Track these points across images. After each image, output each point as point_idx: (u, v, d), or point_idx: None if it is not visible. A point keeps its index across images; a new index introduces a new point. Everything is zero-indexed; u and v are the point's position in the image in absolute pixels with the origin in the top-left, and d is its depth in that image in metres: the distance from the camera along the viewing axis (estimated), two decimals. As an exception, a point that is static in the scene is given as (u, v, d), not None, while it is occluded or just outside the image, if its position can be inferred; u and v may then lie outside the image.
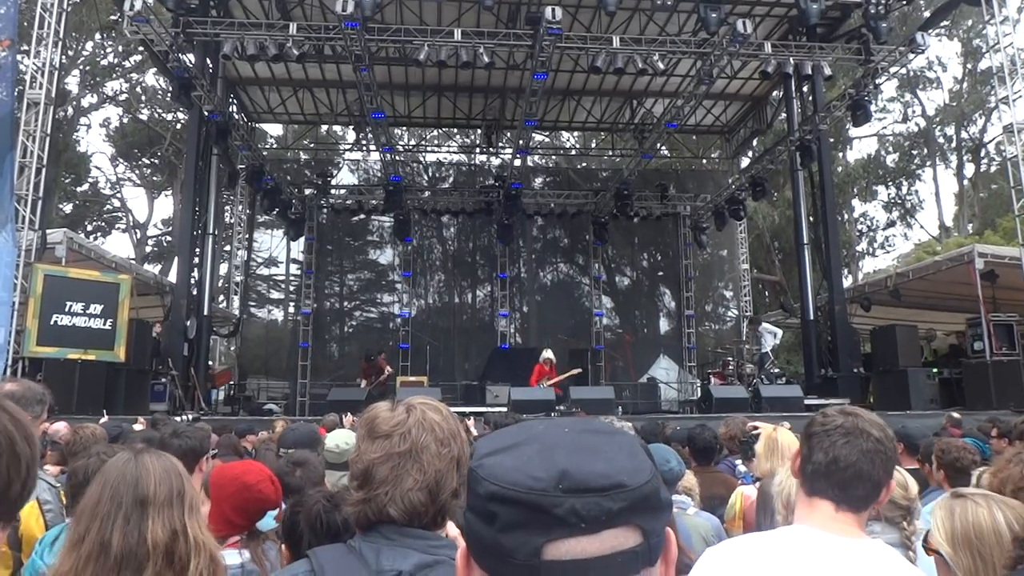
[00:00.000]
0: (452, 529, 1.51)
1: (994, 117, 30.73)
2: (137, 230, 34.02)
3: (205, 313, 16.12)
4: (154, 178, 33.49)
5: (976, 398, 13.12)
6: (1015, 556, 1.71)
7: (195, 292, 15.68)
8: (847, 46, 15.08)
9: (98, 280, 12.47)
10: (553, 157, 27.95)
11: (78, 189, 31.64)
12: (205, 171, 16.26)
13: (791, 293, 24.74)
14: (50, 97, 12.36)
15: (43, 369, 11.15)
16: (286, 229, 21.03)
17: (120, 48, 29.48)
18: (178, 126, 28.47)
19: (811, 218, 17.32)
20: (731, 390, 14.58)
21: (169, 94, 21.57)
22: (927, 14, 22.46)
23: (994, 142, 32.69)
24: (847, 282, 20.85)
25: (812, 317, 16.67)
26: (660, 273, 23.62)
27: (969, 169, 35.28)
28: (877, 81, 15.43)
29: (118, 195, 34.28)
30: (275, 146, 27.81)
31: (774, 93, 19.97)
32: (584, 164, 27.92)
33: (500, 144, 21.63)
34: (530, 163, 22.80)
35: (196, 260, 15.81)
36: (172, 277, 16.98)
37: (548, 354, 14.45)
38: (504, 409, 12.19)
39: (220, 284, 20.79)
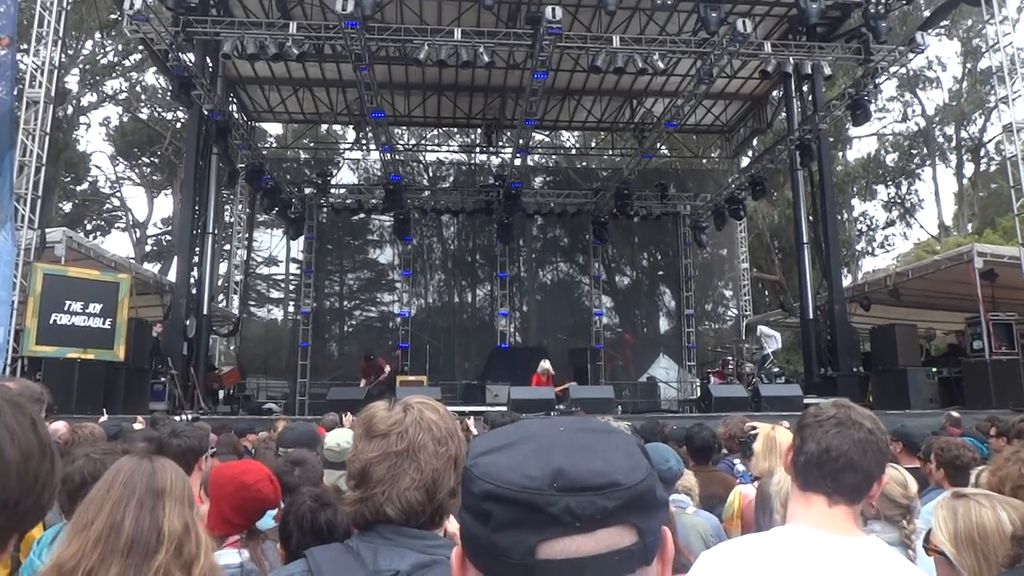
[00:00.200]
0: (452, 525, 1.51)
1: (994, 116, 30.76)
2: (137, 229, 34.04)
3: (205, 312, 16.13)
4: (154, 177, 33.49)
5: (975, 397, 13.12)
6: (1014, 554, 1.72)
7: (195, 291, 15.68)
8: (847, 45, 15.08)
9: (97, 279, 12.46)
10: (553, 156, 27.94)
11: (78, 188, 31.63)
12: (205, 170, 16.25)
13: (791, 292, 24.74)
14: (50, 96, 12.36)
15: (42, 368, 11.15)
16: (286, 228, 21.03)
17: (120, 47, 29.46)
18: (178, 125, 28.47)
19: (811, 217, 17.32)
20: (731, 389, 14.57)
21: (169, 93, 21.57)
22: (927, 14, 22.45)
23: (994, 141, 32.71)
24: (847, 281, 20.85)
25: (812, 316, 16.67)
26: (660, 272, 23.63)
27: (969, 168, 35.30)
28: (877, 80, 15.44)
29: (118, 194, 34.31)
30: (275, 145, 27.82)
31: (774, 93, 19.96)
32: (584, 163, 27.92)
33: (500, 143, 21.63)
34: (530, 162, 22.81)
35: (196, 259, 15.81)
36: (172, 276, 16.98)
37: (546, 365, 14.48)
38: (504, 408, 12.19)
39: (220, 283, 20.79)
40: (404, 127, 25.70)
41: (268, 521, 2.65)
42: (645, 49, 13.89)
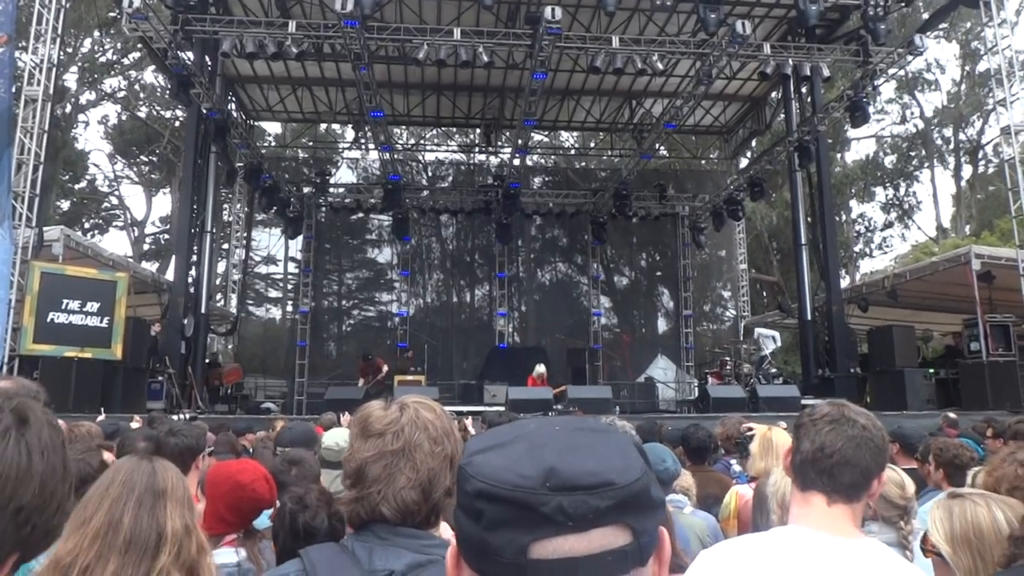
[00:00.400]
0: (447, 531, 1.50)
1: (992, 119, 30.82)
2: (135, 228, 33.99)
3: (203, 311, 16.10)
4: (152, 176, 33.46)
5: (972, 398, 13.14)
6: (1009, 554, 1.72)
7: (193, 290, 15.66)
8: (846, 47, 15.10)
9: (95, 278, 12.44)
10: (552, 157, 27.95)
11: (76, 186, 31.59)
12: (203, 169, 16.23)
13: (789, 293, 24.77)
14: (48, 94, 12.34)
15: (39, 367, 11.11)
16: (284, 227, 21.02)
17: (119, 45, 29.44)
18: (176, 124, 28.44)
19: (809, 219, 17.34)
20: (728, 390, 14.59)
21: (168, 91, 21.55)
22: (926, 16, 22.49)
23: (992, 144, 32.76)
24: (844, 283, 20.88)
25: (809, 317, 16.69)
26: (658, 273, 23.65)
27: (967, 171, 35.36)
28: (875, 83, 15.46)
29: (116, 193, 34.27)
30: (274, 144, 27.82)
31: (773, 94, 19.97)
32: (583, 164, 27.94)
33: (499, 143, 21.63)
34: (529, 162, 22.80)
35: (194, 258, 15.80)
36: (170, 275, 16.96)
37: (541, 369, 14.51)
38: (501, 408, 12.19)
39: (218, 282, 20.77)
40: (403, 127, 25.70)
41: (264, 520, 2.65)
42: (644, 50, 13.90)
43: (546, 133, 27.35)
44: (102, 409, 9.73)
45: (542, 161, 26.73)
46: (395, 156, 18.94)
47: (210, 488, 2.56)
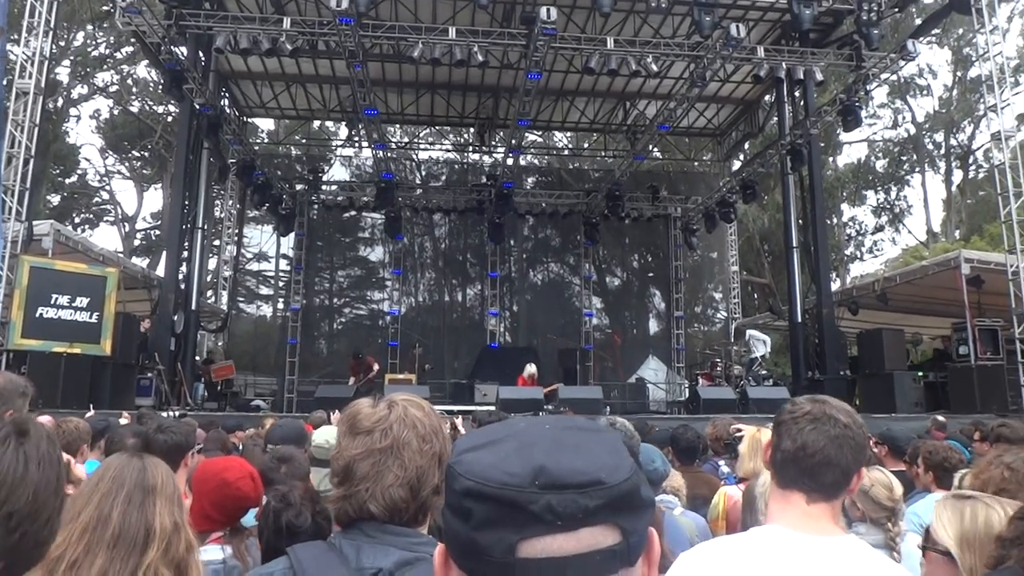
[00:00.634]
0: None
1: (983, 125, 30.96)
2: (126, 223, 33.84)
3: (193, 308, 16.03)
4: (144, 171, 33.30)
5: (961, 402, 13.21)
6: (998, 555, 1.72)
7: (183, 286, 15.59)
8: (839, 52, 15.16)
9: (85, 273, 12.38)
10: (545, 157, 27.95)
11: (66, 181, 31.44)
12: (195, 165, 16.16)
13: (780, 296, 24.83)
14: (40, 87, 12.26)
15: (27, 362, 11.03)
16: (276, 224, 20.94)
17: (112, 39, 29.29)
18: (169, 119, 28.31)
19: (800, 222, 17.40)
20: (719, 391, 14.64)
21: (160, 86, 21.43)
22: (918, 22, 22.61)
23: (982, 149, 32.99)
24: (835, 285, 20.98)
25: (800, 320, 16.75)
26: (650, 274, 23.69)
27: (957, 176, 35.58)
28: (868, 87, 15.54)
29: (107, 187, 34.11)
30: (267, 141, 27.72)
31: (766, 97, 20.04)
32: (576, 164, 27.95)
33: (493, 143, 21.62)
34: (522, 162, 22.80)
35: (185, 254, 15.72)
36: (160, 271, 16.87)
37: (532, 369, 14.53)
38: (492, 408, 12.19)
39: (209, 279, 20.69)
40: (397, 125, 25.63)
41: (251, 518, 2.65)
42: (639, 51, 13.92)
43: (540, 133, 27.35)
44: (91, 405, 9.67)
45: (535, 161, 26.74)
46: (388, 154, 18.90)
47: (197, 485, 2.55)
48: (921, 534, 3.20)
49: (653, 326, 23.30)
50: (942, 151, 35.85)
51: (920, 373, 14.97)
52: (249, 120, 23.11)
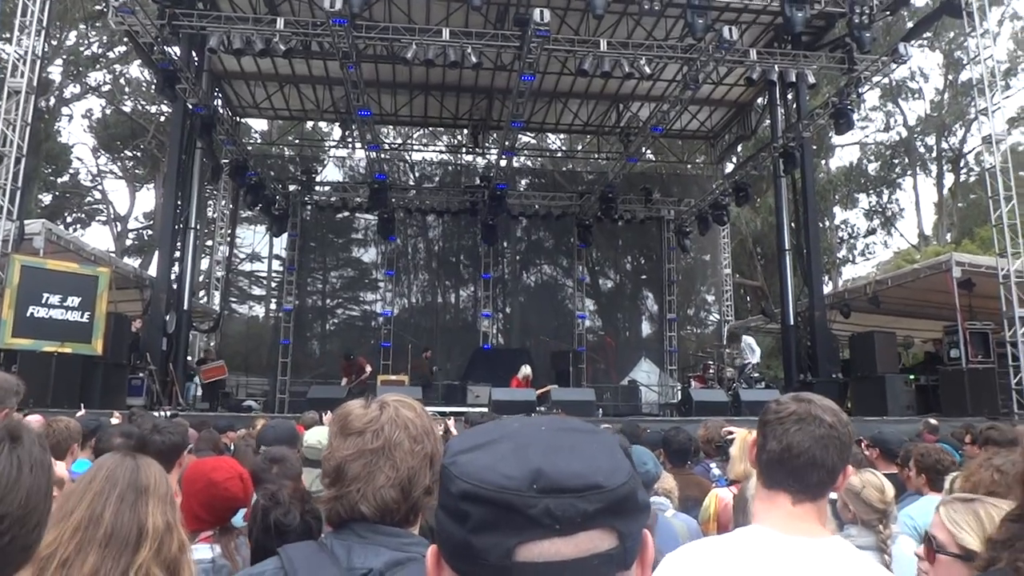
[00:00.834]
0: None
1: (974, 128, 31.11)
2: (118, 223, 33.69)
3: (185, 308, 15.97)
4: (136, 171, 33.17)
5: (952, 405, 13.28)
6: (988, 557, 1.72)
7: (175, 286, 15.52)
8: (831, 55, 15.22)
9: (76, 272, 12.32)
10: (539, 159, 27.97)
11: (58, 180, 31.28)
12: (188, 165, 16.10)
13: (772, 298, 24.91)
14: (32, 86, 12.21)
15: (18, 361, 10.98)
16: (269, 225, 20.90)
17: (104, 39, 29.18)
18: (162, 119, 28.23)
19: (793, 224, 17.46)
20: (711, 393, 14.69)
21: (153, 86, 21.37)
22: (910, 25, 22.72)
23: (973, 153, 33.18)
24: (827, 288, 21.03)
25: (792, 323, 16.79)
26: (643, 276, 23.72)
27: (949, 179, 35.77)
28: (860, 90, 15.59)
29: (99, 187, 33.96)
30: (260, 141, 27.66)
31: (758, 100, 20.10)
32: (569, 166, 27.98)
33: (486, 144, 21.62)
34: (516, 164, 22.82)
35: (177, 254, 15.66)
36: (152, 271, 16.82)
37: (526, 371, 14.54)
38: (484, 409, 12.18)
39: (201, 279, 20.63)
40: (390, 126, 25.62)
41: (240, 519, 2.64)
42: (632, 53, 13.95)
43: (533, 135, 27.37)
44: (82, 404, 9.62)
45: (529, 163, 26.78)
46: (382, 155, 18.89)
47: (186, 485, 2.55)
48: (915, 536, 3.21)
49: (646, 328, 23.34)
50: (933, 154, 36.06)
51: (911, 376, 15.05)
52: (242, 120, 23.02)
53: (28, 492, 0.95)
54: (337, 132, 24.84)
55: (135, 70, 30.32)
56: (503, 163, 18.63)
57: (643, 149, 19.20)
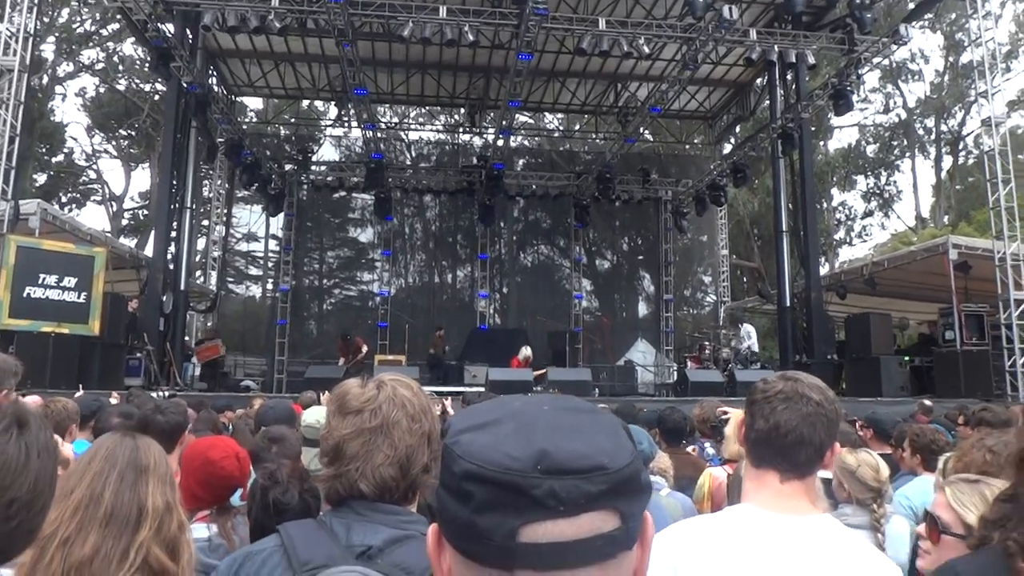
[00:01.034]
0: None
1: (973, 110, 31.06)
2: (113, 203, 33.54)
3: (182, 288, 15.95)
4: (131, 150, 32.97)
5: (946, 386, 13.35)
6: (980, 536, 1.74)
7: (172, 267, 15.49)
8: (831, 35, 15.13)
9: (73, 252, 12.28)
10: (536, 139, 27.85)
11: (53, 160, 31.09)
12: (183, 144, 16.00)
13: (769, 280, 24.95)
14: (24, 64, 12.11)
15: (15, 342, 10.98)
16: (265, 205, 20.82)
17: (97, 16, 28.89)
18: (156, 97, 28.00)
19: (790, 206, 17.44)
20: (707, 374, 14.74)
21: (147, 64, 21.18)
22: (911, 6, 22.55)
23: (972, 135, 33.10)
24: (824, 270, 21.08)
25: (788, 304, 16.83)
26: (640, 257, 23.72)
27: (947, 161, 35.73)
28: (860, 71, 15.51)
29: (94, 167, 33.76)
30: (255, 120, 27.48)
31: (758, 80, 20.00)
32: (567, 146, 27.84)
33: (483, 124, 21.52)
34: (513, 144, 22.72)
35: (173, 234, 15.60)
36: (148, 251, 16.77)
37: (527, 352, 14.57)
38: (482, 389, 12.23)
39: (197, 259, 20.58)
40: (387, 105, 25.46)
41: (238, 499, 2.66)
42: (631, 32, 13.84)
43: (530, 115, 27.24)
44: (80, 385, 9.64)
45: (526, 143, 26.65)
46: (378, 135, 18.78)
47: (184, 463, 2.57)
48: (911, 516, 3.24)
49: (642, 309, 23.36)
50: (932, 136, 35.99)
51: (906, 357, 15.11)
52: (237, 99, 22.87)
53: (36, 477, 0.96)
54: (333, 111, 24.68)
55: (129, 48, 30.10)
56: (500, 143, 18.55)
57: (641, 129, 19.10)
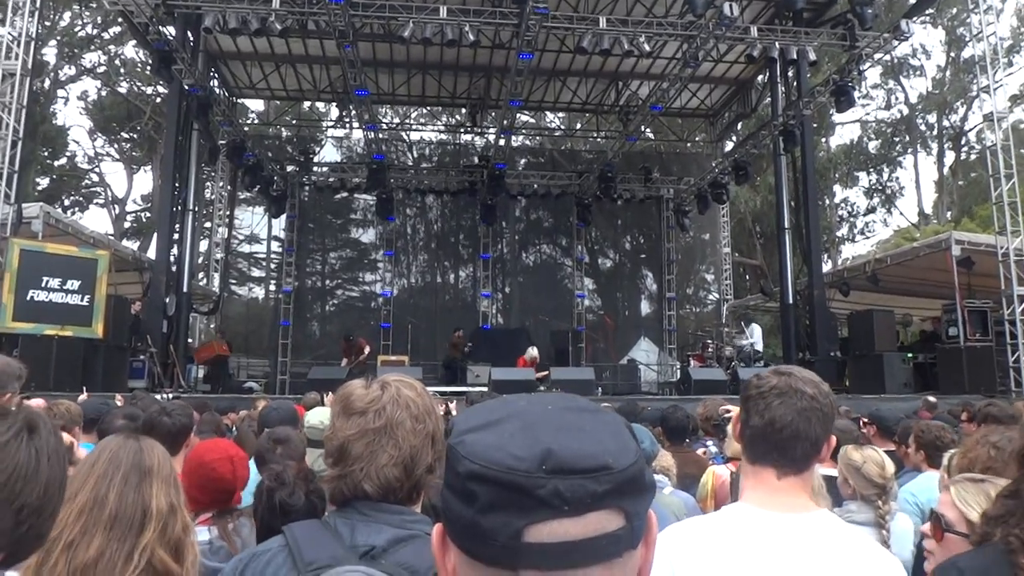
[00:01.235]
0: None
1: (975, 106, 31.00)
2: (116, 205, 33.58)
3: (185, 290, 15.97)
4: (133, 153, 33.02)
5: (949, 383, 13.33)
6: (982, 532, 1.74)
7: (174, 269, 15.51)
8: (832, 32, 15.10)
9: (76, 255, 12.31)
10: (537, 138, 27.83)
11: (55, 163, 31.14)
12: (185, 146, 16.02)
13: (771, 277, 24.91)
14: (26, 68, 12.13)
15: (19, 345, 11.01)
16: (267, 206, 20.84)
17: (99, 19, 28.92)
18: (158, 100, 28.04)
19: (792, 203, 17.42)
20: (710, 372, 14.74)
21: (149, 67, 21.20)
22: (912, 1, 22.53)
23: (975, 130, 33.03)
24: (826, 267, 21.02)
25: (791, 301, 16.81)
26: (642, 256, 23.69)
27: (949, 157, 35.64)
28: (861, 67, 15.49)
29: (96, 170, 33.80)
30: (257, 122, 27.47)
31: (759, 77, 19.98)
32: (568, 145, 27.81)
33: (484, 124, 21.51)
34: (514, 143, 22.70)
35: (176, 236, 15.63)
36: (151, 253, 16.79)
37: (534, 352, 14.60)
38: (485, 389, 12.24)
39: (200, 261, 20.60)
40: (388, 105, 25.46)
41: (247, 499, 2.66)
42: (631, 31, 13.83)
43: (532, 114, 27.22)
44: (84, 388, 9.66)
45: (527, 142, 26.64)
46: (380, 135, 18.79)
47: (185, 466, 2.57)
48: (916, 512, 3.23)
49: (645, 307, 23.34)
50: (935, 132, 35.90)
51: (910, 354, 15.09)
52: (239, 101, 22.88)
53: (46, 483, 0.97)
54: (334, 112, 24.71)
55: (130, 51, 30.11)
56: (502, 142, 18.55)
57: (642, 128, 19.08)
